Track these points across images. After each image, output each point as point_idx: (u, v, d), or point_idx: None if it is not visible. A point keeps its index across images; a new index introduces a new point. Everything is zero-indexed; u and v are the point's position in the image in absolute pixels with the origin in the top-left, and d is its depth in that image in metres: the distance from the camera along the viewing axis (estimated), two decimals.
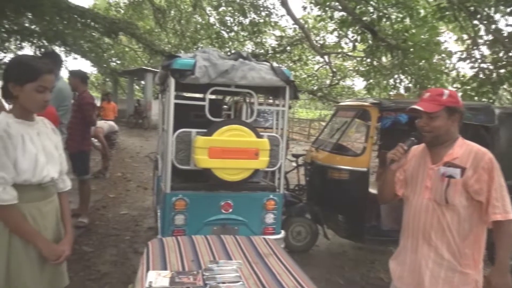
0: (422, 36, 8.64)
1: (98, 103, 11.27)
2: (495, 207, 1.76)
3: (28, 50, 10.62)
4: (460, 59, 7.71)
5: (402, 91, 9.74)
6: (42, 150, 1.81)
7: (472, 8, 6.37)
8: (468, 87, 7.43)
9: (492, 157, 1.80)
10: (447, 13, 7.02)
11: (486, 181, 1.77)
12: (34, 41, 10.25)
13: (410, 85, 9.43)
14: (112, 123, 8.35)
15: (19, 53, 10.97)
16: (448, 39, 11.57)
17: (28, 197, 1.76)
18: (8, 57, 10.43)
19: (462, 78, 8.29)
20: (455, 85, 8.28)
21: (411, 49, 8.32)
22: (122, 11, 18.87)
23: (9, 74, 1.74)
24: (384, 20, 8.40)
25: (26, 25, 10.76)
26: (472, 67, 7.45)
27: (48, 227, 1.86)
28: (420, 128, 1.89)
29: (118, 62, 24.16)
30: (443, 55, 9.35)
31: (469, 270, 1.82)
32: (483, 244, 1.88)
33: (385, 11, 8.45)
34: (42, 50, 10.46)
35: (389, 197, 2.10)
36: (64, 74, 4.71)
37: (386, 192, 2.09)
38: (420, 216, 1.89)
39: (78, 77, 4.82)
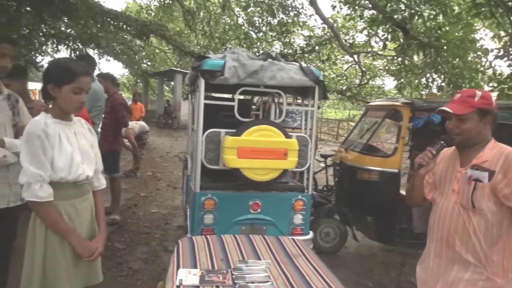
0: (456, 34, 8.37)
1: (129, 104, 11.54)
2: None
3: (64, 53, 10.99)
4: (496, 57, 7.42)
5: (434, 90, 9.47)
6: (78, 149, 1.87)
7: (510, 3, 6.11)
8: (505, 86, 7.13)
9: None
10: (483, 9, 6.76)
11: None
12: (70, 44, 10.61)
13: (443, 84, 9.15)
14: (143, 123, 8.53)
15: (56, 56, 11.41)
16: (484, 36, 11.17)
17: (64, 194, 1.83)
18: (45, 59, 10.84)
19: (498, 77, 7.96)
20: (491, 84, 7.97)
21: (445, 47, 8.07)
22: (153, 14, 19.26)
23: (48, 76, 1.82)
24: (416, 17, 8.18)
25: (62, 29, 11.16)
26: (509, 65, 7.15)
27: (83, 224, 1.93)
28: (449, 130, 1.82)
29: (149, 63, 24.68)
30: (479, 53, 9.02)
31: (497, 278, 1.72)
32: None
33: (417, 9, 8.24)
34: (77, 52, 10.81)
35: (418, 201, 2.05)
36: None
37: (414, 195, 2.03)
38: (445, 220, 1.82)
39: (109, 79, 4.97)
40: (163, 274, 3.35)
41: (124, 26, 12.20)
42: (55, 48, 11.09)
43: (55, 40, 10.26)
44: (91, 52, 12.28)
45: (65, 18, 10.15)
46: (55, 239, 1.81)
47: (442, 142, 1.85)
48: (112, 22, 11.63)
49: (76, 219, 1.88)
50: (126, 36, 14.50)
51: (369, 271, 4.18)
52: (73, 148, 1.84)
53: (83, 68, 1.84)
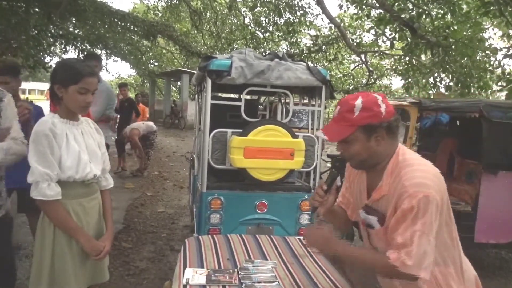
0: (465, 33, 8.29)
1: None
2: (393, 239, 1.35)
3: (72, 53, 11.09)
4: (505, 56, 7.34)
5: (442, 90, 9.40)
6: (85, 149, 1.89)
7: None
8: None
9: (427, 194, 1.29)
10: (492, 8, 6.69)
11: (402, 220, 1.33)
12: (78, 44, 10.70)
13: (451, 83, 9.07)
14: (150, 123, 8.56)
15: (64, 56, 11.51)
16: (493, 35, 11.04)
17: (72, 193, 1.85)
18: (54, 60, 10.95)
19: (507, 76, 7.87)
20: (500, 84, 7.89)
21: (453, 46, 8.00)
22: (160, 14, 19.33)
23: (55, 77, 1.83)
24: (424, 16, 8.12)
25: (70, 29, 11.26)
26: None
27: (91, 223, 1.94)
28: (340, 154, 1.53)
29: (156, 64, 24.79)
30: (487, 52, 8.93)
31: None
32: (456, 274, 1.47)
33: (425, 8, 8.18)
34: (85, 53, 10.90)
35: (346, 228, 1.81)
36: (105, 76, 4.96)
37: (340, 226, 1.77)
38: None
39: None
40: (169, 273, 3.37)
41: (132, 26, 12.29)
42: (63, 49, 11.21)
43: (63, 41, 10.37)
44: (98, 52, 12.37)
45: (73, 19, 10.25)
46: (63, 238, 1.83)
47: (333, 170, 1.60)
48: (119, 22, 11.72)
49: (84, 218, 1.89)
50: (133, 37, 14.59)
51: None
52: (81, 148, 1.86)
53: (89, 68, 1.85)
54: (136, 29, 12.56)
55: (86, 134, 1.95)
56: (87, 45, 11.04)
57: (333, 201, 1.62)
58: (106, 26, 11.46)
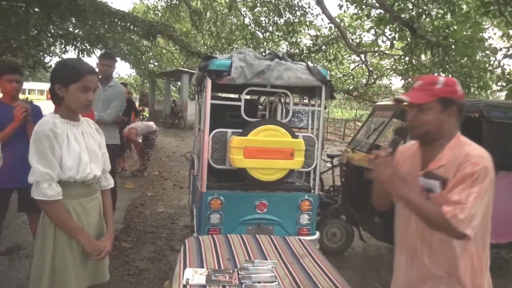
0: (465, 33, 8.29)
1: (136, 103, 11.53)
2: (451, 198, 1.41)
3: (72, 53, 11.10)
4: (505, 56, 7.33)
5: None
6: (85, 149, 1.89)
7: None
8: None
9: (487, 165, 1.42)
10: (492, 8, 6.69)
11: (460, 183, 1.42)
12: (77, 44, 10.70)
13: None
14: (150, 123, 8.55)
15: (64, 56, 11.51)
16: (493, 35, 11.05)
17: (73, 194, 1.85)
18: (54, 60, 10.95)
19: (507, 76, 7.87)
20: (500, 84, 7.89)
21: (453, 46, 8.00)
22: (160, 14, 19.33)
23: (54, 77, 1.83)
24: (423, 16, 8.12)
25: (70, 29, 11.26)
26: None
27: (91, 224, 1.94)
28: (408, 122, 1.59)
29: (156, 64, 24.80)
30: (487, 52, 8.93)
31: None
32: (484, 263, 1.55)
33: (425, 8, 8.18)
34: (85, 53, 10.90)
35: (385, 205, 1.79)
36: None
37: (381, 200, 1.78)
38: (409, 230, 1.61)
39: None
40: (169, 273, 3.37)
41: (132, 26, 12.29)
42: (63, 49, 11.21)
43: (63, 41, 10.37)
44: (98, 52, 12.37)
45: (73, 19, 10.25)
46: (64, 238, 1.82)
47: (397, 137, 1.62)
48: (119, 22, 11.72)
49: (85, 218, 1.89)
50: (133, 37, 14.59)
51: (376, 272, 4.15)
52: (81, 148, 1.86)
53: (89, 66, 1.85)
54: (136, 29, 12.56)
55: (87, 134, 1.95)
56: (87, 45, 11.03)
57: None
58: (106, 26, 11.47)
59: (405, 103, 1.56)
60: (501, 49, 8.24)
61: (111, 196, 2.14)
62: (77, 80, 1.79)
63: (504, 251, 4.84)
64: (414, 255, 1.61)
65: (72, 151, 1.81)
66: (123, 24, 11.91)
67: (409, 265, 1.64)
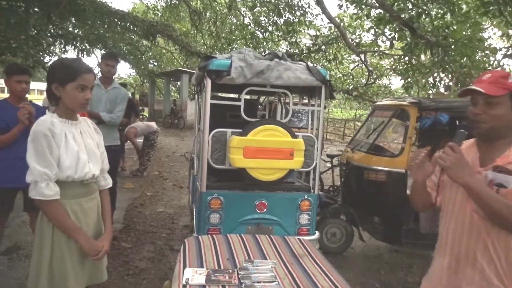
0: (464, 33, 8.29)
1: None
2: None
3: (71, 53, 11.10)
4: (505, 56, 7.33)
5: (442, 90, 9.40)
6: (84, 148, 1.88)
7: None
8: None
9: None
10: (492, 8, 6.69)
11: None
12: (77, 44, 10.69)
13: (450, 83, 9.08)
14: (151, 123, 8.53)
15: (63, 56, 11.50)
16: (492, 35, 11.06)
17: (71, 193, 1.84)
18: (53, 60, 10.94)
19: None
20: None
21: (453, 46, 8.00)
22: (160, 14, 19.32)
23: (51, 76, 1.83)
24: (423, 16, 8.12)
25: (70, 29, 11.25)
26: None
27: (90, 223, 1.94)
28: (474, 116, 1.48)
29: (155, 63, 24.78)
30: (487, 51, 8.93)
31: None
32: None
33: (424, 7, 8.18)
34: (84, 53, 10.90)
35: (422, 207, 1.75)
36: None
37: (417, 201, 1.74)
38: (463, 231, 1.50)
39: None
40: (169, 273, 3.37)
41: (131, 26, 12.29)
42: (63, 49, 11.20)
43: (62, 41, 10.36)
44: (98, 52, 12.37)
45: (73, 19, 10.24)
46: (62, 238, 1.82)
47: (462, 130, 1.54)
48: (119, 22, 11.72)
49: (83, 218, 1.89)
50: (133, 37, 14.59)
51: (375, 272, 4.16)
52: (79, 147, 1.86)
53: (86, 65, 1.85)
54: (135, 29, 12.56)
55: (85, 133, 1.95)
56: (86, 45, 11.03)
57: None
58: (106, 26, 11.46)
59: (476, 93, 1.45)
60: (500, 49, 8.24)
61: (109, 196, 2.13)
62: (74, 79, 1.79)
63: None
64: (464, 260, 1.50)
65: (70, 150, 1.81)
66: (122, 24, 11.92)
67: (454, 270, 1.53)
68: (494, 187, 1.43)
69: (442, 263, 1.58)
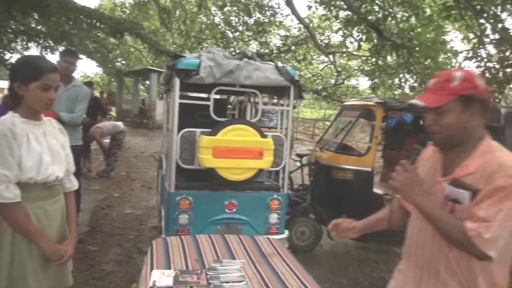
0: (428, 35, 8.59)
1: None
2: (477, 213, 1.27)
3: (34, 50, 10.70)
4: (466, 58, 7.65)
5: (407, 90, 9.70)
6: (47, 150, 1.81)
7: (478, 6, 6.31)
8: None
9: None
10: (453, 12, 6.96)
11: (489, 196, 1.26)
12: (41, 41, 10.32)
13: (415, 84, 9.38)
14: (117, 123, 8.35)
15: (26, 53, 11.07)
16: (454, 38, 11.53)
17: (33, 196, 1.77)
18: (14, 57, 10.51)
19: None
20: None
21: (417, 48, 8.27)
22: (128, 12, 18.94)
23: (14, 74, 1.76)
24: (389, 19, 8.36)
25: (33, 25, 10.83)
26: (478, 66, 7.39)
27: (53, 227, 1.87)
28: (427, 127, 1.43)
29: (123, 62, 24.27)
30: (449, 54, 9.29)
31: None
32: (504, 279, 1.39)
33: (390, 10, 8.42)
34: (48, 50, 10.53)
35: (399, 222, 1.67)
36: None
37: (393, 220, 1.67)
38: (425, 243, 1.45)
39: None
40: (137, 276, 3.30)
41: (98, 23, 11.96)
42: (25, 46, 10.78)
43: (25, 37, 9.97)
44: (63, 49, 11.97)
45: (36, 15, 9.86)
46: (23, 243, 1.75)
47: (417, 146, 1.49)
48: (85, 19, 11.37)
49: (46, 221, 1.82)
50: (99, 34, 14.20)
51: (343, 269, 4.24)
52: (42, 148, 1.79)
53: (51, 64, 1.78)
54: (102, 26, 12.23)
55: (49, 134, 1.88)
56: (50, 42, 10.66)
57: None
58: (71, 22, 11.08)
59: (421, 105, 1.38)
60: (461, 52, 8.59)
61: (75, 198, 2.07)
62: (37, 78, 1.72)
63: None
64: (427, 272, 1.45)
65: (33, 151, 1.74)
66: (89, 21, 11.57)
67: (418, 282, 1.49)
68: (450, 202, 1.37)
69: (407, 275, 1.55)
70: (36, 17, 10.35)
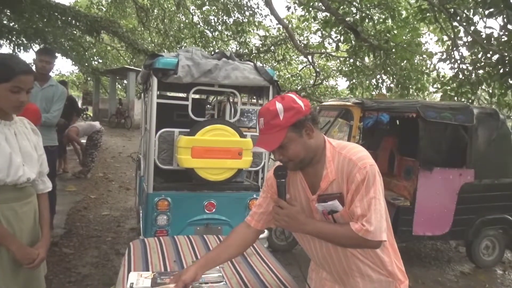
0: (404, 37, 8.80)
1: (79, 102, 10.98)
2: (355, 212, 1.38)
3: (6, 48, 10.39)
4: (440, 60, 7.85)
5: (384, 91, 9.88)
6: (18, 150, 1.76)
7: (452, 10, 6.48)
8: (448, 88, 7.57)
9: (370, 162, 1.38)
10: (428, 14, 7.14)
11: (356, 193, 1.38)
12: (13, 39, 10.02)
13: (392, 85, 9.57)
14: (94, 122, 8.18)
15: None
16: (429, 40, 11.82)
17: (2, 198, 1.71)
18: None
19: (442, 79, 8.44)
20: (435, 86, 8.44)
21: (393, 50, 8.45)
22: (104, 9, 18.57)
23: None
24: (366, 20, 8.50)
25: (4, 22, 10.52)
26: (451, 68, 7.60)
27: (24, 229, 1.81)
28: (278, 161, 1.51)
29: (100, 61, 23.78)
30: (424, 55, 9.53)
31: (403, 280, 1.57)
32: (396, 247, 1.57)
33: (367, 12, 8.55)
34: (21, 48, 10.24)
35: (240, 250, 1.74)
36: None
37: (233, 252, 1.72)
38: (331, 256, 1.56)
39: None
40: (114, 278, 3.23)
41: (73, 21, 11.70)
42: None
43: None
44: (36, 47, 11.67)
45: (8, 11, 9.57)
46: None
47: (278, 179, 1.51)
48: (60, 16, 11.11)
49: (16, 224, 1.76)
50: (75, 32, 13.91)
51: None
52: (13, 149, 1.73)
53: (23, 65, 1.71)
54: (78, 24, 11.96)
55: (20, 135, 1.82)
56: (23, 39, 10.38)
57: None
58: (45, 19, 10.80)
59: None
60: (436, 54, 8.82)
61: (48, 200, 2.01)
62: (8, 80, 1.65)
63: (439, 242, 5.18)
64: (343, 273, 1.57)
65: (2, 152, 1.68)
66: (63, 18, 11.30)
67: (334, 279, 1.64)
68: (329, 216, 1.47)
69: (321, 275, 1.70)
70: (8, 13, 10.05)
